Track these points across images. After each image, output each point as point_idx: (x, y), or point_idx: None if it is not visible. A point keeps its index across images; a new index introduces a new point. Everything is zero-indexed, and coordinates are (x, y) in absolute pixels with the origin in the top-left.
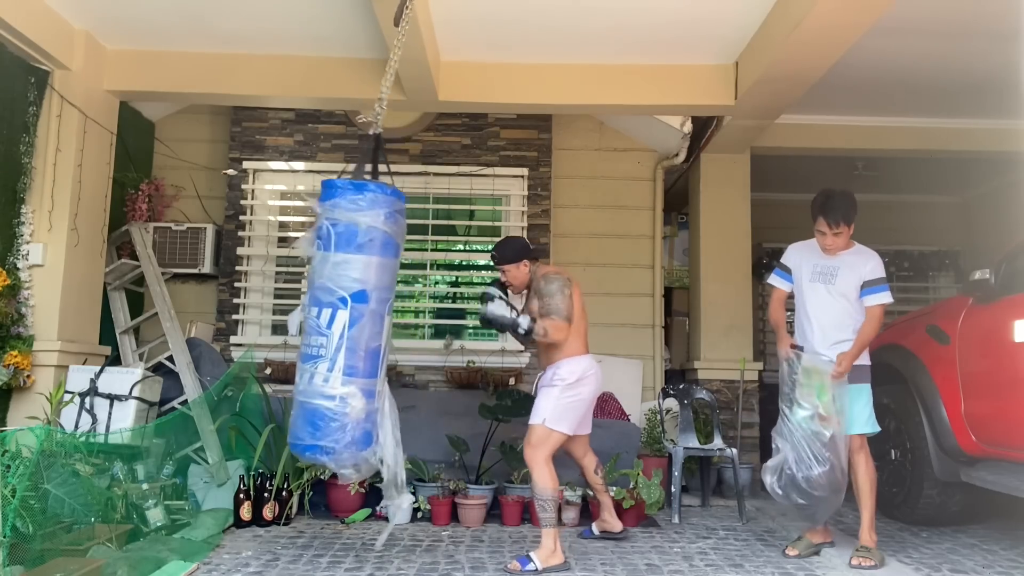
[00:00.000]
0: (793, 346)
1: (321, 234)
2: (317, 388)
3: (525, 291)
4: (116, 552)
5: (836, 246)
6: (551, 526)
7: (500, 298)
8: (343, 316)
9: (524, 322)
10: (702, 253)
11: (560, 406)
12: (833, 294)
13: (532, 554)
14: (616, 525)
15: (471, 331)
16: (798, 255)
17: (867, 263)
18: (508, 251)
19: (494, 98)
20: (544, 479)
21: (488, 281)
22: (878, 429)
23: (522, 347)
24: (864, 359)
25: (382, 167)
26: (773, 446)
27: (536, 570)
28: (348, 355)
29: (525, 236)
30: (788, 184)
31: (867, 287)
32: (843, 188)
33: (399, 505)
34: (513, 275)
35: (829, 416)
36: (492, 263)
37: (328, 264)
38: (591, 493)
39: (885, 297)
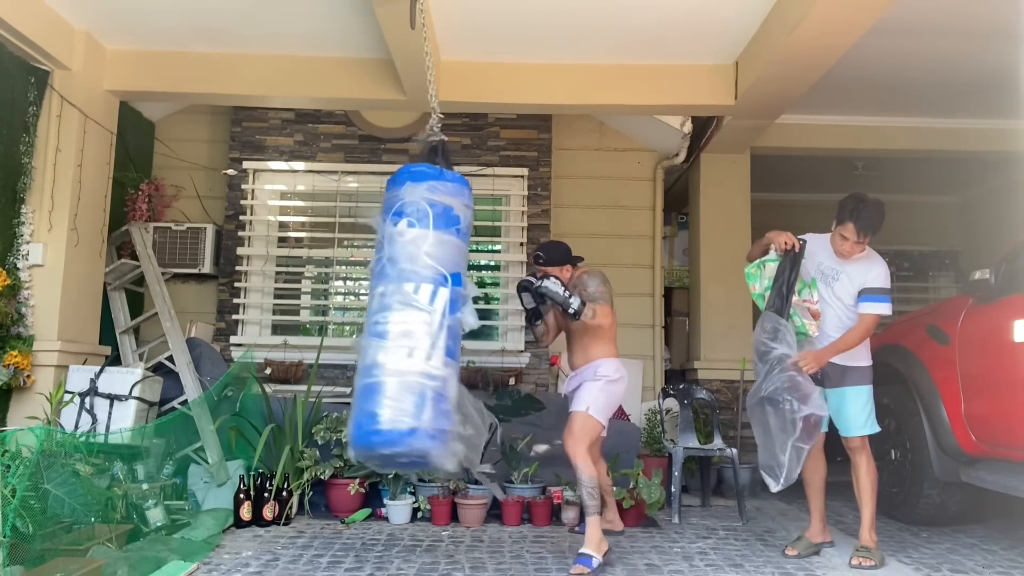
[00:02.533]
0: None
1: (418, 212)
2: (418, 366)
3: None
4: (116, 552)
5: (853, 252)
6: (597, 513)
7: (557, 278)
8: (444, 295)
9: (575, 302)
10: (702, 253)
11: (603, 398)
12: (830, 297)
13: (585, 550)
14: (618, 524)
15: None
16: (812, 246)
17: (872, 270)
18: (555, 254)
19: (494, 98)
20: (590, 467)
21: (491, 281)
22: (877, 429)
23: (522, 347)
24: (865, 360)
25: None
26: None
27: (600, 563)
28: (449, 335)
29: (525, 236)
30: (788, 184)
31: (866, 294)
32: (875, 197)
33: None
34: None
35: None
36: (536, 262)
37: (427, 242)
38: None
39: (882, 308)
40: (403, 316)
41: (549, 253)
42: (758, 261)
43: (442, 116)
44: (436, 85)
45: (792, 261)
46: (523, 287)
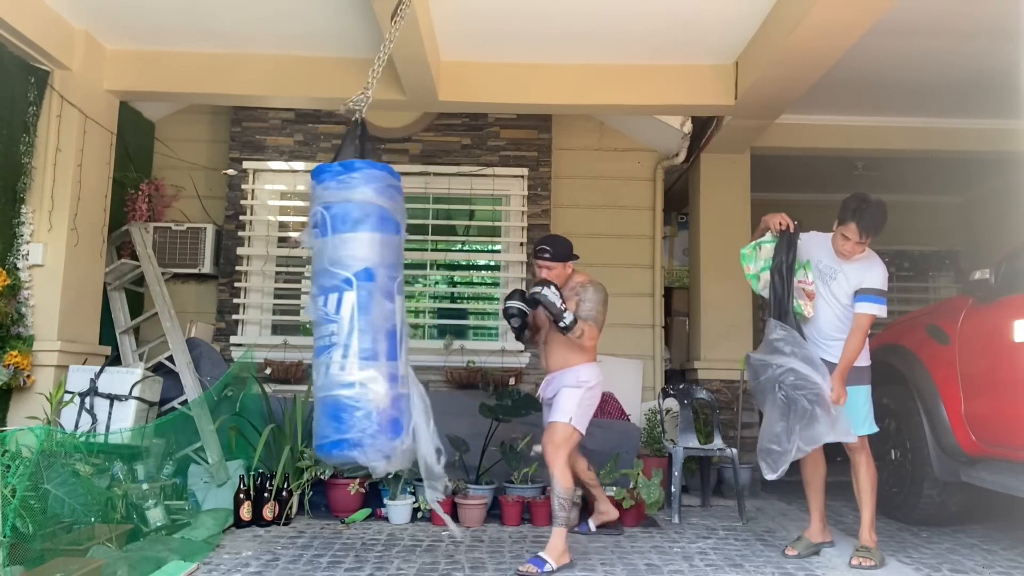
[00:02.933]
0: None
1: (317, 221)
2: (334, 378)
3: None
4: (116, 552)
5: (853, 253)
6: (564, 525)
7: (557, 288)
8: (350, 298)
9: (569, 317)
10: (702, 253)
11: (583, 407)
12: (827, 297)
13: (543, 554)
14: (612, 513)
15: (473, 331)
16: (810, 243)
17: (869, 271)
18: (560, 250)
19: (494, 98)
20: (567, 478)
21: (490, 281)
22: (875, 429)
23: (522, 347)
24: (863, 360)
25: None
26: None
27: (552, 570)
28: (362, 337)
29: (525, 236)
30: (788, 184)
31: (862, 294)
32: (877, 198)
33: (438, 489)
34: (557, 273)
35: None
36: (542, 256)
37: (328, 248)
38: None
39: (877, 309)
40: (318, 332)
41: (556, 248)
42: (754, 243)
43: (369, 97)
44: (436, 84)
45: (788, 241)
46: (515, 298)
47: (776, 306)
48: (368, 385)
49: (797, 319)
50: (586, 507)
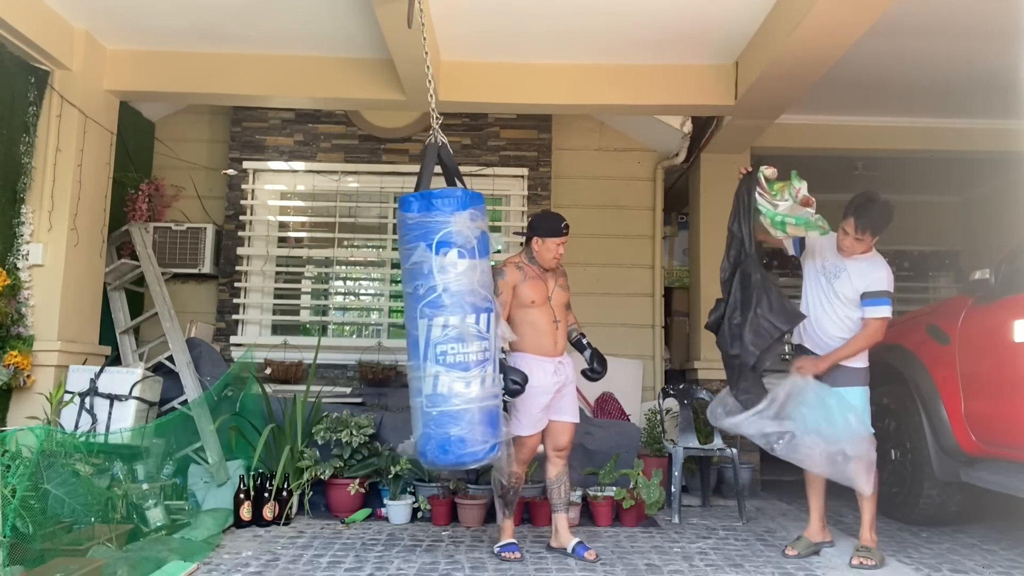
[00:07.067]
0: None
1: (461, 242)
2: (489, 390)
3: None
4: (116, 552)
5: (853, 250)
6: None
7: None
8: (493, 320)
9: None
10: (702, 253)
11: None
12: (829, 295)
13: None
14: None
15: None
16: (819, 241)
17: (873, 273)
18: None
19: (494, 98)
20: None
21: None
22: (871, 431)
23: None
24: (861, 361)
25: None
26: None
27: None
28: (496, 353)
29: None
30: None
31: (868, 297)
32: (886, 199)
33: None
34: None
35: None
36: (566, 233)
37: (478, 271)
38: (591, 493)
39: (884, 311)
40: (470, 347)
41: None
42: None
43: (440, 116)
44: (436, 85)
45: (746, 186)
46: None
47: (736, 248)
48: (499, 396)
49: (819, 233)
50: (587, 506)
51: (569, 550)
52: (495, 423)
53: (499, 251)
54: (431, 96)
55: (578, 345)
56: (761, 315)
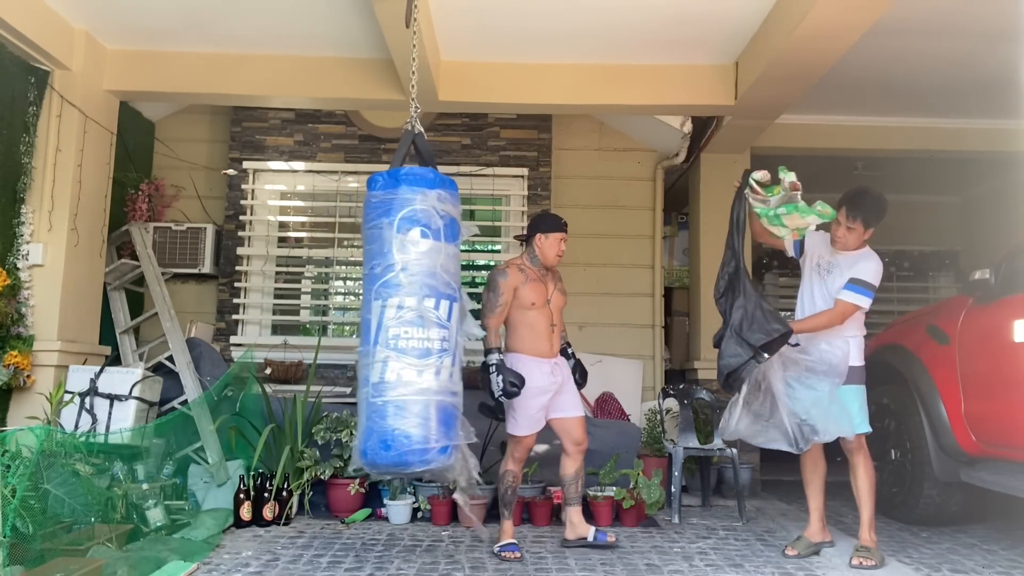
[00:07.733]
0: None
1: (426, 221)
2: (446, 384)
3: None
4: (116, 552)
5: (845, 242)
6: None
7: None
8: (456, 310)
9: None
10: (702, 253)
11: None
12: (823, 291)
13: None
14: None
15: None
16: (814, 240)
17: (862, 263)
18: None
19: (494, 98)
20: None
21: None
22: (869, 429)
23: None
24: (857, 360)
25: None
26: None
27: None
28: (458, 350)
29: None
30: None
31: (850, 283)
32: (880, 192)
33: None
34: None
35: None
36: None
37: (442, 255)
38: (591, 493)
39: (861, 300)
40: (427, 333)
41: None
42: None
43: (419, 108)
44: (436, 84)
45: (739, 198)
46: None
47: (732, 265)
48: (459, 396)
49: (822, 218)
50: (587, 506)
51: (591, 538)
52: (451, 423)
53: (499, 251)
54: (412, 86)
55: (564, 354)
56: (738, 331)
